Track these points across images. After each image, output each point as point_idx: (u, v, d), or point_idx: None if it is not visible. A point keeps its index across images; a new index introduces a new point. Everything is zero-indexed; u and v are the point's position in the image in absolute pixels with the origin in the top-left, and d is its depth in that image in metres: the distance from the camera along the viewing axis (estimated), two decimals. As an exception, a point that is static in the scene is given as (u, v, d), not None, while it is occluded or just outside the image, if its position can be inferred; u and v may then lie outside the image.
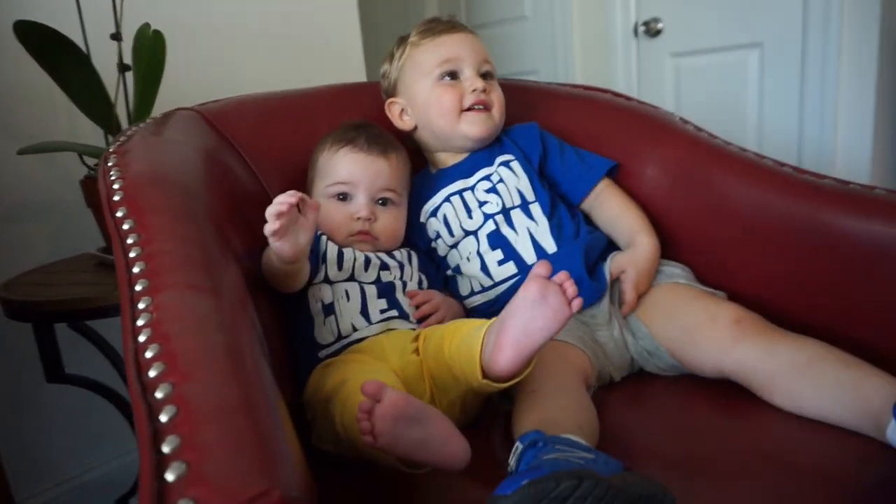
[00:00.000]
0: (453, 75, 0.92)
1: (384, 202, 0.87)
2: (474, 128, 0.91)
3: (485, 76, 0.93)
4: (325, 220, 0.85)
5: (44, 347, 0.98)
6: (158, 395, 0.39)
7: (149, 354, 0.43)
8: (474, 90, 0.90)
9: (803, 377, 0.67)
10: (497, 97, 0.94)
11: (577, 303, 0.58)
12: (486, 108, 0.92)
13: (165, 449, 0.35)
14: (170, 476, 0.33)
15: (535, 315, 0.58)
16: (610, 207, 0.93)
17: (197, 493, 0.31)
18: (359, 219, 0.84)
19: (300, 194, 0.68)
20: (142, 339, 0.45)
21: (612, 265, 0.85)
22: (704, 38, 1.88)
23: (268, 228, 0.67)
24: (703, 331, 0.76)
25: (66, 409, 1.27)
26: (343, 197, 0.85)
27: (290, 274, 0.75)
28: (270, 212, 0.67)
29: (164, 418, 0.37)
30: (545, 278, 0.59)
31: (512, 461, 0.56)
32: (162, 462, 0.34)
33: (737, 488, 0.57)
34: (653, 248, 0.87)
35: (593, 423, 0.64)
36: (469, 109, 0.91)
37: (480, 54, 0.93)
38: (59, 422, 1.28)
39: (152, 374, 0.41)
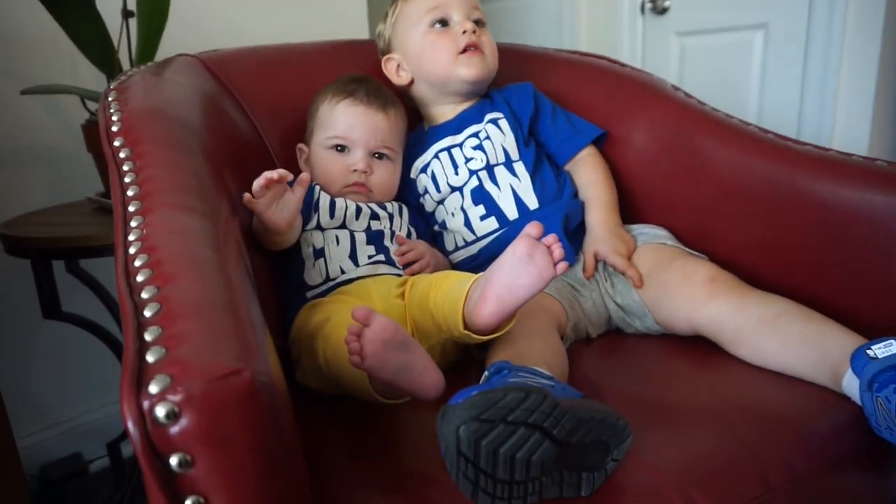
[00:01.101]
0: (443, 22, 0.94)
1: (381, 156, 0.89)
2: (470, 70, 0.92)
3: (475, 22, 0.94)
4: (321, 171, 0.87)
5: (41, 284, 1.01)
6: (144, 295, 0.42)
7: (137, 263, 0.46)
8: (464, 32, 0.92)
9: (769, 331, 0.69)
10: (488, 41, 0.96)
11: (561, 266, 0.60)
12: (479, 49, 0.93)
13: (148, 337, 0.37)
14: (150, 358, 0.35)
15: (520, 272, 0.60)
16: (581, 176, 0.95)
17: (173, 371, 0.34)
18: (355, 171, 0.86)
19: (282, 173, 0.71)
20: (132, 250, 0.48)
21: (585, 258, 0.87)
22: (710, 18, 1.88)
23: (245, 197, 0.72)
24: (679, 288, 0.78)
25: (61, 353, 1.30)
26: (341, 149, 0.87)
27: (273, 241, 0.78)
28: (254, 185, 0.71)
29: (148, 313, 0.40)
30: (535, 238, 0.61)
31: (479, 388, 0.59)
32: (143, 347, 0.37)
33: (694, 427, 0.59)
34: (600, 223, 0.88)
35: (562, 364, 0.67)
36: (463, 52, 0.92)
37: (470, 1, 0.95)
38: (53, 366, 1.31)
39: (140, 278, 0.44)
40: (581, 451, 0.50)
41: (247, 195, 0.72)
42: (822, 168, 0.76)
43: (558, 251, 0.60)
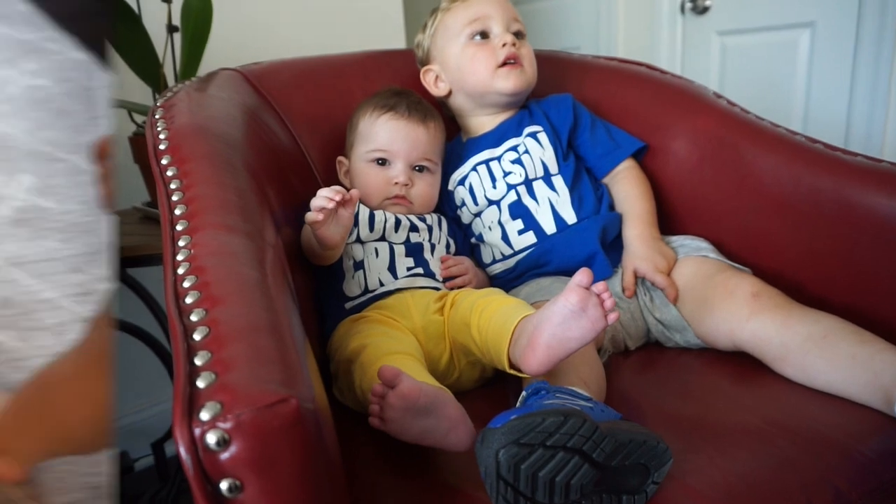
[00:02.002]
0: (483, 34, 0.94)
1: (421, 169, 0.89)
2: (508, 83, 0.92)
3: (515, 35, 0.94)
4: (362, 184, 0.88)
5: (92, 291, 1.04)
6: (193, 318, 0.43)
7: (186, 284, 0.47)
8: (504, 45, 0.92)
9: (817, 350, 0.67)
10: (527, 53, 0.95)
11: (613, 316, 0.58)
12: (518, 62, 0.93)
13: (198, 362, 0.39)
14: (200, 383, 0.37)
15: (571, 325, 0.58)
16: (618, 190, 0.94)
17: (223, 398, 0.35)
18: (396, 184, 0.87)
19: (343, 192, 0.73)
20: (180, 271, 0.49)
21: (624, 275, 0.86)
22: (754, 16, 1.83)
23: (310, 216, 0.73)
24: (720, 303, 0.76)
25: (111, 354, 1.35)
26: (382, 162, 0.88)
27: (324, 256, 0.80)
28: (314, 204, 0.72)
29: (197, 337, 0.41)
30: (585, 289, 0.58)
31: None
32: (194, 372, 0.38)
33: (737, 448, 0.58)
34: (638, 238, 0.87)
35: (600, 380, 0.66)
36: (502, 65, 0.92)
37: (509, 13, 0.95)
38: (103, 366, 1.35)
39: (188, 300, 0.45)
40: (621, 474, 0.50)
41: (311, 215, 0.73)
42: (873, 179, 0.73)
43: (609, 301, 0.59)
